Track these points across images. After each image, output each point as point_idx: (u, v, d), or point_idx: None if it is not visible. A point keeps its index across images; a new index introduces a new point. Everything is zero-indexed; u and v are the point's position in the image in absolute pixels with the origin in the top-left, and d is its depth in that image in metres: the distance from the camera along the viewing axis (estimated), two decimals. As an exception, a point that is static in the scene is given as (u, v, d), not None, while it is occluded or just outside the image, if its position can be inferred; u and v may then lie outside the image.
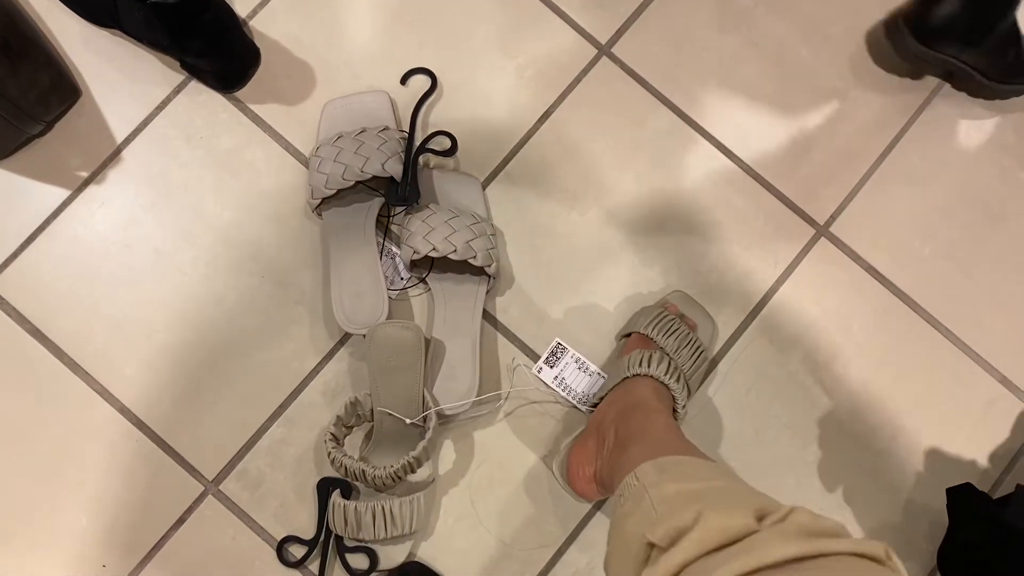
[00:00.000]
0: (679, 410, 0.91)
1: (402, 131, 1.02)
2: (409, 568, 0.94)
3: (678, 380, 0.90)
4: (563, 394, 1.00)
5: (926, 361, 1.05)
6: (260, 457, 0.98)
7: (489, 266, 0.96)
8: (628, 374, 0.91)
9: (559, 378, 1.00)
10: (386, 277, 1.00)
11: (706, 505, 0.59)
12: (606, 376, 1.00)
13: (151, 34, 0.94)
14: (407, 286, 1.01)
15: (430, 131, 1.03)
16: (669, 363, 0.91)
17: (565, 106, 1.07)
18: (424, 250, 0.95)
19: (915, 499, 1.02)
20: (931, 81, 1.10)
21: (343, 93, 1.04)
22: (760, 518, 0.58)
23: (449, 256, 0.95)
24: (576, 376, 1.00)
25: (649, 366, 0.90)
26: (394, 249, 1.01)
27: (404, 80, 1.05)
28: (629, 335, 1.00)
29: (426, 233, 0.96)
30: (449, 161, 1.04)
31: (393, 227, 1.02)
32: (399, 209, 1.01)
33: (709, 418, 1.02)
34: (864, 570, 0.52)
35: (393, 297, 1.00)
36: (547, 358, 1.00)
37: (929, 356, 1.05)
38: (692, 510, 0.59)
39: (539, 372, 1.00)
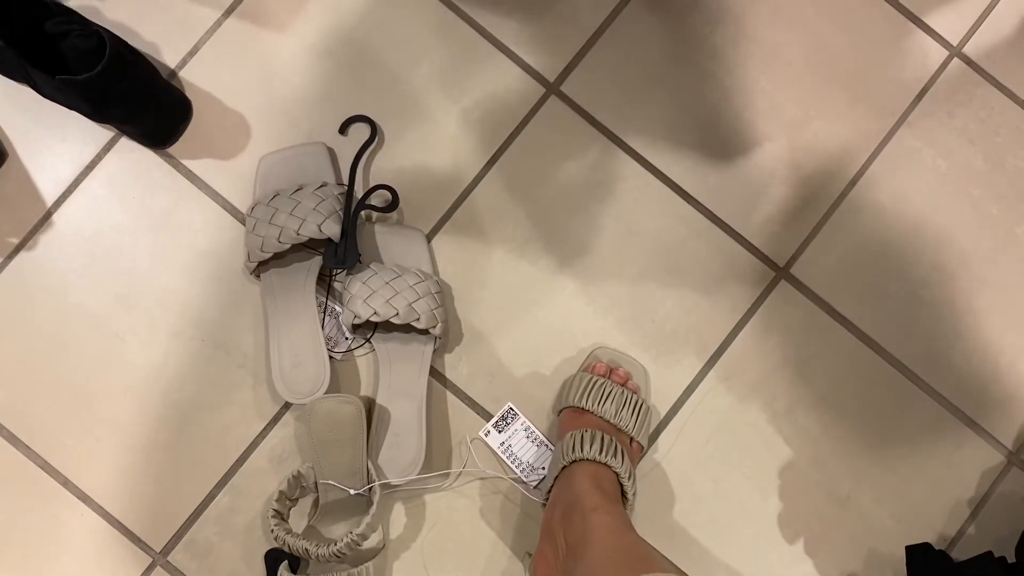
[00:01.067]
0: (626, 485, 0.88)
1: (341, 184, 0.98)
2: None
3: (616, 455, 0.87)
4: (508, 462, 0.97)
5: (891, 406, 1.02)
6: (208, 526, 0.97)
7: (434, 327, 0.93)
8: (565, 462, 0.88)
9: (506, 444, 0.98)
10: (330, 338, 0.97)
11: None
12: (552, 448, 0.97)
13: (69, 103, 0.90)
14: (351, 347, 0.98)
15: (372, 183, 1.00)
16: (602, 440, 0.88)
17: (513, 149, 1.03)
18: (365, 315, 0.92)
19: (878, 548, 1.00)
20: (896, 109, 1.05)
21: (280, 143, 1.00)
22: None
23: (391, 320, 0.91)
24: (524, 445, 0.98)
25: (583, 449, 0.87)
26: (337, 308, 0.98)
27: (343, 129, 1.01)
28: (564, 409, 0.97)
29: (367, 296, 0.93)
30: (391, 215, 1.00)
31: (336, 284, 0.99)
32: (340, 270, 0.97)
33: (666, 470, 1.00)
34: None
35: (337, 359, 0.98)
36: (496, 422, 0.98)
37: (894, 401, 1.02)
38: None
39: (486, 435, 0.97)
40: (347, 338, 0.98)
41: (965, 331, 1.03)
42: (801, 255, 1.03)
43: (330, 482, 0.92)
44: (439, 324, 0.94)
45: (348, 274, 0.96)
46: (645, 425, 0.95)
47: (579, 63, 1.04)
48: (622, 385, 0.95)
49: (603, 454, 0.87)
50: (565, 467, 0.88)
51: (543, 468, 0.97)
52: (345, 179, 0.99)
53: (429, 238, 1.01)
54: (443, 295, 0.97)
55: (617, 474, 0.87)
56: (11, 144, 0.99)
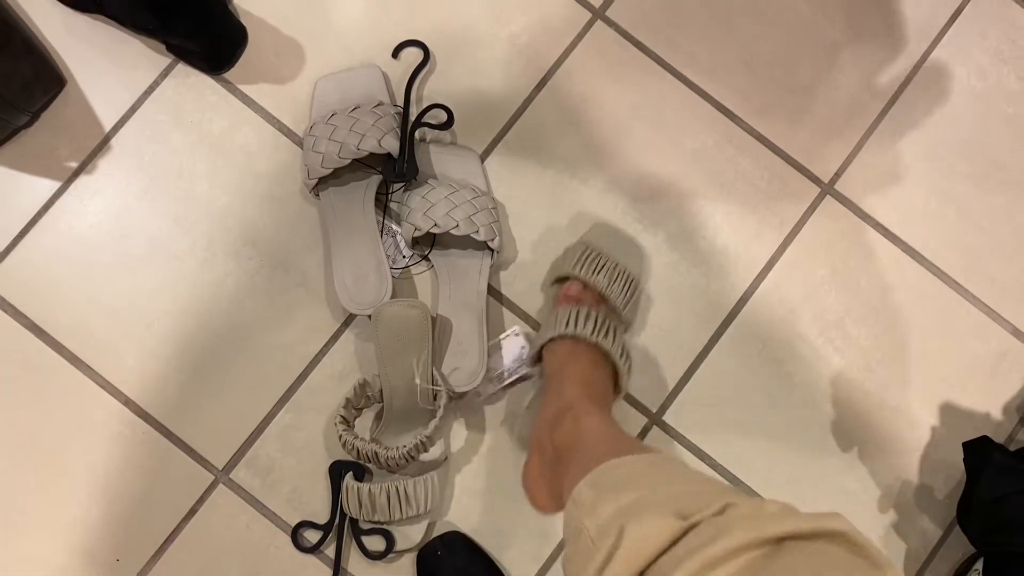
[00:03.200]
0: (618, 363, 0.88)
1: (396, 106, 1.00)
2: (450, 538, 0.94)
3: (608, 335, 0.88)
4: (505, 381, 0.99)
5: (937, 316, 1.04)
6: (270, 443, 0.97)
7: (492, 240, 0.95)
8: (554, 334, 0.88)
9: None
10: (388, 256, 0.98)
11: (628, 518, 0.54)
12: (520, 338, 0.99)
13: (134, 16, 0.92)
14: (409, 264, 0.99)
15: (425, 104, 1.01)
16: (596, 319, 0.88)
17: (561, 73, 1.05)
18: (425, 227, 0.93)
19: (930, 454, 1.01)
20: (931, 32, 1.08)
21: (334, 69, 1.02)
22: (685, 516, 0.53)
23: (451, 232, 0.93)
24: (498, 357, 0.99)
25: (576, 325, 0.88)
26: (394, 227, 1.00)
27: (396, 53, 1.03)
28: (558, 281, 0.98)
29: (427, 209, 0.94)
30: (446, 135, 1.02)
31: (392, 205, 1.00)
32: (397, 186, 0.99)
33: (721, 379, 1.01)
34: (830, 556, 0.48)
35: (396, 276, 0.99)
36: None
37: (940, 311, 1.04)
38: (616, 527, 0.54)
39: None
40: (404, 256, 0.99)
41: (1009, 241, 1.05)
42: (844, 172, 1.05)
43: (414, 364, 0.92)
44: (497, 237, 0.95)
45: (406, 189, 0.98)
46: (633, 300, 0.96)
47: (624, -11, 1.06)
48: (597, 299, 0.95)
49: (595, 334, 0.87)
50: (552, 340, 0.89)
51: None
52: (399, 100, 1.01)
53: (482, 159, 1.02)
54: (498, 212, 0.99)
55: (608, 353, 0.87)
56: (69, 71, 1.00)
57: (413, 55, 1.03)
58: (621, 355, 0.89)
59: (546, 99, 1.04)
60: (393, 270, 0.98)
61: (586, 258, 0.95)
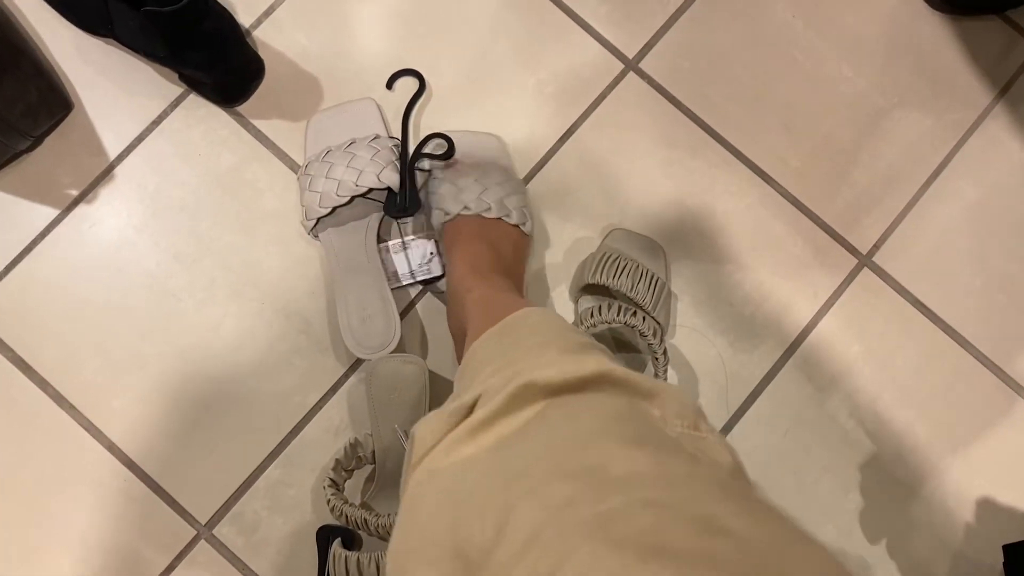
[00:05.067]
0: (653, 343, 0.87)
1: (393, 138, 0.96)
2: None
3: (636, 314, 0.86)
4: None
5: (977, 402, 0.97)
6: (257, 499, 0.91)
7: (524, 224, 0.90)
8: (584, 326, 0.87)
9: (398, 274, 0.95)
10: (405, 273, 0.94)
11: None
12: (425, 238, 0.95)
13: (147, 44, 0.88)
14: (431, 277, 0.94)
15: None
16: (620, 307, 0.87)
17: (588, 124, 1.00)
18: (455, 210, 0.88)
19: (965, 553, 0.94)
20: (981, 101, 1.03)
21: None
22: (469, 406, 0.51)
23: (483, 214, 0.87)
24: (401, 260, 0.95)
25: (602, 313, 0.86)
26: (408, 238, 0.95)
27: (390, 84, 0.98)
28: (581, 291, 0.94)
29: (456, 193, 0.89)
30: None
31: (400, 224, 0.95)
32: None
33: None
34: (600, 400, 0.48)
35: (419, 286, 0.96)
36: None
37: (980, 397, 0.97)
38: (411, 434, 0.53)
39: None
40: (421, 268, 0.94)
41: (1056, 327, 0.98)
42: (884, 244, 0.99)
43: (396, 428, 0.86)
44: (529, 221, 0.90)
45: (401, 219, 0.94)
46: (662, 301, 0.90)
47: (659, 41, 1.02)
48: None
49: (622, 315, 0.86)
50: (443, 224, 0.89)
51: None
52: (395, 133, 0.96)
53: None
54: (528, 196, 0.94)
55: (642, 333, 0.86)
56: (77, 95, 0.96)
57: (409, 86, 0.99)
58: (655, 334, 0.86)
59: (571, 150, 0.99)
60: (414, 284, 0.95)
61: (606, 261, 0.90)
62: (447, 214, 0.88)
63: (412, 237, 0.94)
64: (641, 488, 0.39)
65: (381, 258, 0.93)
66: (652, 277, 0.89)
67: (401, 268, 0.94)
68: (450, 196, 0.89)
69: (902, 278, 0.99)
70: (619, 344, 0.95)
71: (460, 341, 0.79)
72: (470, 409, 0.50)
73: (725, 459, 0.48)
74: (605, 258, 0.90)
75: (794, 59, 1.02)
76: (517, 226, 0.89)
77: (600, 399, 0.49)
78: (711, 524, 0.36)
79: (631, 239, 0.95)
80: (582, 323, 0.87)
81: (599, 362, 0.50)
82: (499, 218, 0.88)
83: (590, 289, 0.93)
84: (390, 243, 0.94)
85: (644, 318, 0.86)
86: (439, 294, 0.95)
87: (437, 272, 0.94)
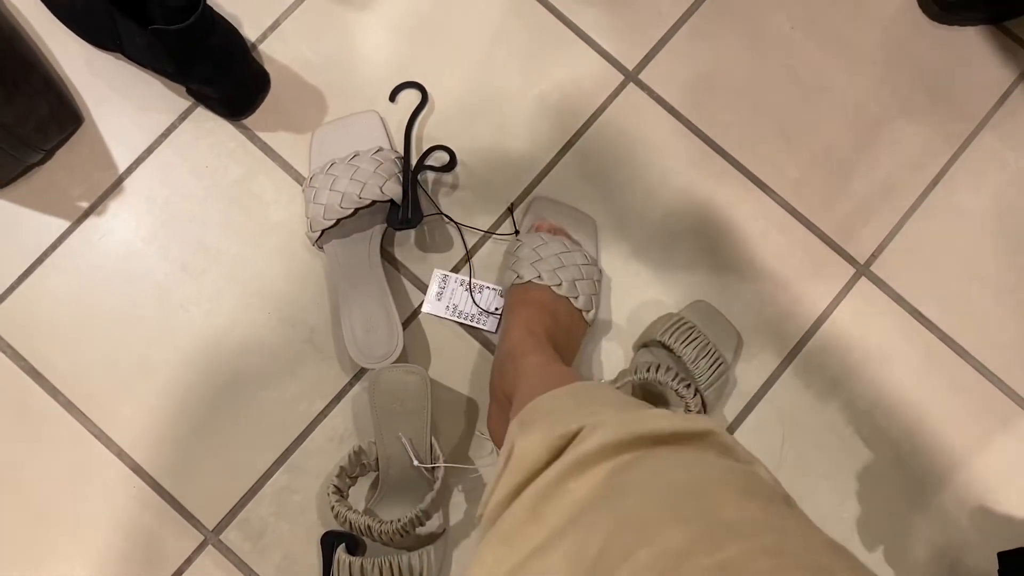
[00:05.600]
0: (689, 402, 0.88)
1: (396, 151, 0.97)
2: None
3: (689, 387, 0.88)
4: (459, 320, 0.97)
5: (974, 410, 0.98)
6: (263, 505, 0.93)
7: (588, 312, 0.91)
8: (635, 378, 0.89)
9: (450, 307, 0.97)
10: (473, 315, 0.96)
11: (518, 438, 0.54)
12: (497, 288, 0.97)
13: (154, 60, 0.90)
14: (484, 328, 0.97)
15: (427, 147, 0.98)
16: (677, 375, 0.89)
17: (589, 135, 1.01)
18: (528, 276, 0.89)
19: (962, 559, 0.95)
20: (978, 112, 1.03)
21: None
22: (571, 435, 0.52)
23: (554, 288, 0.89)
24: (464, 297, 0.97)
25: (658, 372, 0.88)
26: (482, 283, 0.97)
27: (393, 97, 1.00)
28: (645, 345, 0.95)
29: (535, 261, 0.90)
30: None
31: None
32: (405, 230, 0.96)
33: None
34: (699, 456, 0.49)
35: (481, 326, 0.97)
36: (438, 292, 0.97)
37: (977, 405, 0.98)
38: (506, 452, 0.55)
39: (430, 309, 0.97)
40: (485, 314, 0.96)
41: (1053, 336, 0.99)
42: (882, 253, 1.00)
43: (400, 436, 0.88)
44: (593, 310, 0.92)
45: (403, 227, 0.95)
46: (718, 383, 0.91)
47: (658, 52, 1.03)
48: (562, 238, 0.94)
49: (675, 382, 0.87)
50: (513, 285, 0.90)
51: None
52: (397, 147, 0.98)
53: (503, 219, 0.99)
54: (601, 284, 0.96)
55: (687, 406, 0.88)
56: (87, 109, 0.98)
57: (412, 98, 1.00)
58: (574, 293, 0.89)
59: (572, 161, 1.00)
60: (478, 326, 0.97)
61: (678, 327, 0.91)
62: (519, 277, 0.90)
63: (486, 285, 0.96)
64: (756, 535, 0.40)
65: (443, 286, 0.96)
66: (717, 359, 0.91)
67: (466, 307, 0.96)
68: (527, 261, 0.90)
69: (900, 287, 1.00)
70: (646, 395, 0.96)
71: (500, 400, 0.81)
72: (570, 439, 0.51)
73: None
74: (680, 323, 0.92)
75: (792, 70, 1.03)
76: (580, 311, 0.90)
77: (709, 455, 0.49)
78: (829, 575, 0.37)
79: (713, 317, 0.96)
80: (636, 372, 0.89)
81: (709, 421, 0.51)
82: (566, 297, 0.89)
83: (653, 344, 0.94)
84: (460, 276, 0.97)
85: (696, 393, 0.88)
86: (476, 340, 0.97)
87: (491, 328, 0.96)
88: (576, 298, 0.89)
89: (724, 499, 0.43)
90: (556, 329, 0.86)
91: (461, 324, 0.96)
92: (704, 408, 0.89)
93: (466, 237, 0.98)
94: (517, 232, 0.97)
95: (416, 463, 0.88)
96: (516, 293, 0.90)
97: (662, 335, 0.91)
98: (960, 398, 0.98)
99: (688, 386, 0.88)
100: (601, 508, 0.46)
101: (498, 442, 0.83)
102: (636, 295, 0.98)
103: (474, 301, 0.96)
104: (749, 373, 0.97)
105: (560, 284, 0.89)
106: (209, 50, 0.86)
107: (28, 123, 0.89)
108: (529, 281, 0.89)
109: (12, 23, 0.94)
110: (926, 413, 0.98)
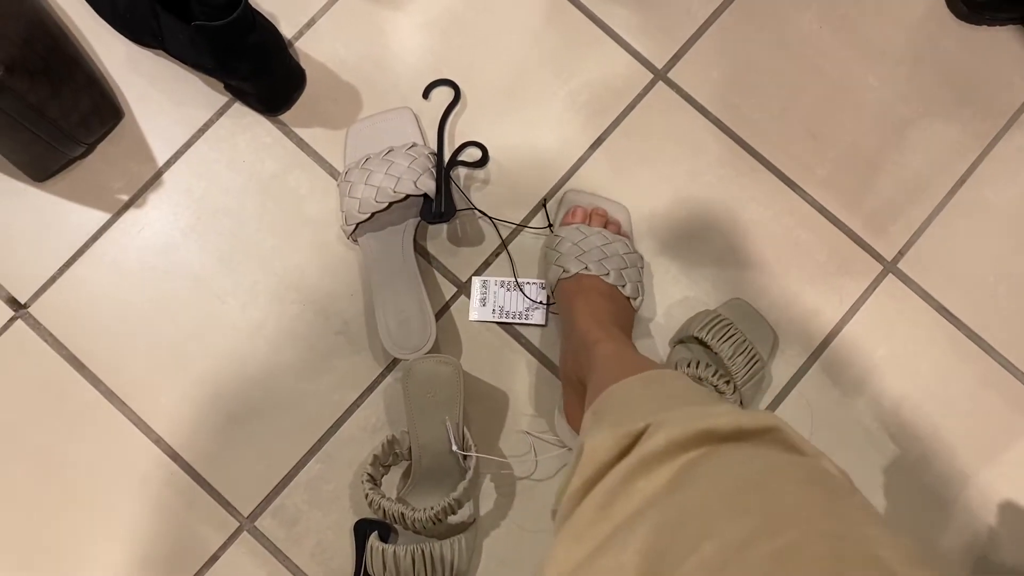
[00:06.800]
0: (624, 293, 0.91)
1: (429, 147, 0.99)
2: None
3: (728, 383, 0.90)
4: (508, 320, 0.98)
5: (1001, 407, 0.98)
6: (297, 493, 0.95)
7: (636, 299, 0.92)
8: (561, 275, 0.91)
9: (496, 309, 0.98)
10: (521, 312, 0.98)
11: (587, 435, 0.56)
12: (538, 282, 0.99)
13: (195, 56, 0.92)
14: (533, 323, 0.98)
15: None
16: (716, 371, 0.91)
17: (618, 132, 1.03)
18: (575, 270, 0.91)
19: (988, 556, 0.95)
20: (1006, 110, 1.04)
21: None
22: (638, 433, 0.54)
23: (603, 278, 0.90)
24: (507, 297, 0.98)
25: (698, 368, 0.91)
26: (522, 280, 0.98)
27: (426, 94, 1.02)
28: (681, 341, 0.96)
29: (579, 254, 0.92)
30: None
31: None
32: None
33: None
34: (764, 452, 0.50)
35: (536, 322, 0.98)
36: (481, 299, 0.98)
37: (1004, 402, 0.99)
38: (578, 447, 0.56)
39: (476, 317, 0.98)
40: (539, 303, 0.98)
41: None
42: (909, 251, 1.01)
43: (445, 420, 0.90)
44: (640, 297, 0.93)
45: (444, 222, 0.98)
46: (754, 380, 0.92)
47: (688, 51, 1.04)
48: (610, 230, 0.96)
49: (714, 378, 0.91)
50: (560, 280, 0.92)
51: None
52: (430, 143, 1.00)
53: (534, 213, 1.00)
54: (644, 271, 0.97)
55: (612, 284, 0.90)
56: (128, 104, 1.00)
57: (445, 95, 1.02)
58: (621, 281, 0.91)
59: (601, 157, 1.02)
60: (527, 323, 0.99)
61: (715, 323, 0.93)
62: (566, 271, 0.91)
63: (526, 281, 0.98)
64: (815, 520, 0.41)
65: (485, 291, 0.98)
66: (753, 355, 0.92)
67: (511, 305, 0.98)
68: (572, 255, 0.92)
69: (927, 284, 1.00)
70: None
71: (573, 386, 0.84)
72: (637, 436, 0.53)
73: None
74: (717, 319, 0.93)
75: (820, 69, 1.04)
76: (628, 299, 0.92)
77: (773, 450, 0.50)
78: (886, 568, 0.38)
79: (749, 315, 0.98)
80: (676, 368, 0.91)
81: (774, 417, 0.52)
82: (615, 286, 0.90)
83: (690, 341, 0.96)
84: (498, 279, 0.98)
85: (735, 389, 0.90)
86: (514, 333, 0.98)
87: (540, 321, 0.98)
88: (624, 286, 0.91)
89: (786, 488, 0.44)
90: (617, 314, 0.88)
91: (509, 324, 0.98)
92: (741, 404, 0.91)
93: (500, 231, 0.99)
94: (551, 226, 0.98)
95: (455, 448, 0.89)
96: (568, 286, 0.91)
97: (699, 331, 0.92)
98: (987, 394, 0.99)
99: (728, 382, 0.89)
100: (667, 505, 0.47)
101: (576, 427, 0.86)
102: (666, 292, 0.99)
103: (524, 293, 0.97)
104: (777, 368, 0.98)
105: (608, 274, 0.90)
106: (249, 47, 0.88)
107: (72, 117, 0.92)
108: (577, 274, 0.90)
109: (58, 21, 0.97)
110: (953, 409, 0.98)
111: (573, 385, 0.85)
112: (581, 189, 1.00)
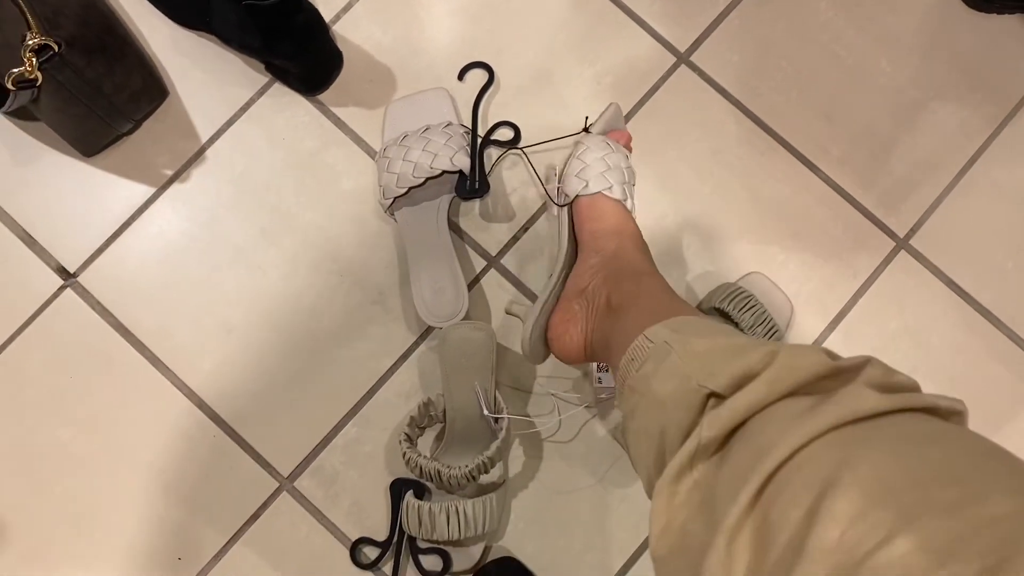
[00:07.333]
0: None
1: (464, 125, 1.03)
2: (505, 563, 0.95)
3: (615, 177, 0.91)
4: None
5: (1011, 382, 1.03)
6: (335, 455, 0.99)
7: (625, 201, 0.92)
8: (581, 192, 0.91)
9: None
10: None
11: (778, 347, 0.55)
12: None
13: (242, 36, 0.96)
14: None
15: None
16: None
17: (642, 113, 1.07)
18: (577, 189, 0.91)
19: (996, 520, 0.99)
20: (1015, 95, 1.08)
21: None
22: (833, 357, 0.54)
23: (604, 192, 0.90)
24: None
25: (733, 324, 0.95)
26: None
27: (462, 76, 1.06)
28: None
29: (579, 170, 0.92)
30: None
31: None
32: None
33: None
34: (935, 423, 0.51)
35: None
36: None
37: (1011, 375, 1.03)
38: (761, 352, 0.55)
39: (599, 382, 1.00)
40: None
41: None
42: (921, 228, 1.05)
43: (475, 386, 0.94)
44: (630, 200, 0.93)
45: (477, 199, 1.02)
46: None
47: (709, 36, 1.08)
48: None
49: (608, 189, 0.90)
50: (579, 198, 0.91)
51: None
52: (465, 122, 1.04)
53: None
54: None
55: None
56: (172, 84, 1.05)
57: (478, 78, 1.07)
58: (626, 199, 0.91)
59: (626, 138, 1.06)
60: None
61: (736, 295, 0.97)
62: (567, 197, 0.92)
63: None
64: None
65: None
66: (772, 326, 0.97)
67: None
68: (572, 173, 0.91)
69: (938, 260, 1.05)
70: None
71: (597, 305, 0.81)
72: (834, 368, 0.54)
73: None
74: (737, 291, 0.98)
75: (836, 54, 1.08)
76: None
77: (929, 419, 0.51)
78: None
79: (767, 289, 1.01)
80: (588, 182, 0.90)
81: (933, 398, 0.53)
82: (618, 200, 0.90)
83: (711, 312, 1.00)
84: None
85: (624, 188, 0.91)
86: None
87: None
88: (626, 200, 0.91)
89: (987, 489, 0.41)
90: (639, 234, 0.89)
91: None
92: None
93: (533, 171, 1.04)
94: (588, 130, 0.98)
95: (486, 412, 0.93)
96: (601, 203, 0.90)
97: (721, 302, 0.96)
98: (995, 368, 1.03)
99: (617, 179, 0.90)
100: (844, 473, 0.44)
101: (566, 341, 0.84)
102: (689, 265, 1.04)
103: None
104: (793, 340, 1.02)
105: (611, 187, 0.90)
106: (295, 27, 0.93)
107: (123, 94, 0.96)
108: (599, 192, 0.89)
109: (110, 4, 1.01)
110: (962, 383, 1.02)
111: (584, 298, 0.83)
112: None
